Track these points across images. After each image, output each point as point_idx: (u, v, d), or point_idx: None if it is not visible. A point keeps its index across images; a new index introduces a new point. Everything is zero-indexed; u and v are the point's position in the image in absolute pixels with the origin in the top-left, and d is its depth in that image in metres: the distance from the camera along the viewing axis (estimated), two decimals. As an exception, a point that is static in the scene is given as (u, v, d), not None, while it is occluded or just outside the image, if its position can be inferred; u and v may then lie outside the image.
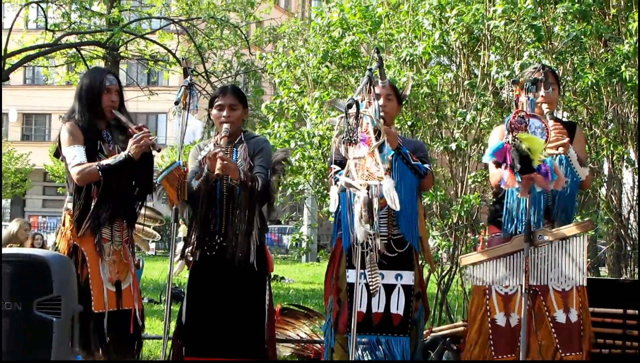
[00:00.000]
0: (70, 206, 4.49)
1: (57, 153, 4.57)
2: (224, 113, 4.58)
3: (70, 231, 4.45)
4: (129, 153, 4.38)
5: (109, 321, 4.39)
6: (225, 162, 4.34)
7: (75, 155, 4.39)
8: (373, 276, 4.00)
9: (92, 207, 4.41)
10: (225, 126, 4.53)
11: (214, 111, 4.63)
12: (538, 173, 3.97)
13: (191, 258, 4.55)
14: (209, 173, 4.42)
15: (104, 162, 4.39)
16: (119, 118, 4.54)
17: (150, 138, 4.42)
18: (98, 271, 4.42)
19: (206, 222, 4.51)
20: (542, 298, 4.27)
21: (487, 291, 4.36)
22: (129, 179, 4.47)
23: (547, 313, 4.26)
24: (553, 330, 4.25)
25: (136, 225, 4.76)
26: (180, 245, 4.72)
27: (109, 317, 4.40)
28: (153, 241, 5.14)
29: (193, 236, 4.55)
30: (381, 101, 4.42)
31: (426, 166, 4.56)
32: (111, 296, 4.44)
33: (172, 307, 4.60)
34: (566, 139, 4.20)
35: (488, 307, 4.35)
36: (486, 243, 4.59)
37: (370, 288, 4.03)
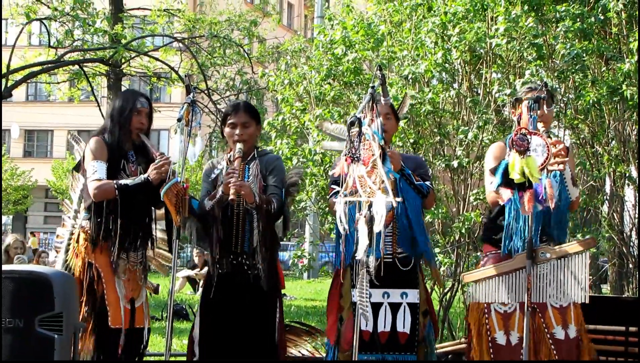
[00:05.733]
0: (85, 223, 4.51)
1: (78, 167, 4.62)
2: (237, 131, 4.49)
3: (85, 248, 4.47)
4: (148, 177, 4.41)
5: (122, 337, 4.40)
6: (239, 187, 4.26)
7: (95, 170, 4.42)
8: (364, 297, 3.95)
9: (109, 225, 4.42)
10: (238, 145, 4.45)
11: (227, 129, 4.55)
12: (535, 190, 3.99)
13: (216, 270, 4.47)
14: (222, 194, 4.36)
15: (122, 181, 4.42)
16: (144, 141, 4.59)
17: (170, 165, 4.41)
18: (114, 287, 4.44)
19: (227, 241, 4.44)
20: (540, 315, 4.25)
21: (485, 310, 4.33)
22: (144, 201, 4.51)
23: (546, 330, 4.24)
24: (552, 346, 4.23)
25: (156, 250, 4.79)
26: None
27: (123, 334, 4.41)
28: (169, 265, 5.10)
29: (214, 255, 4.46)
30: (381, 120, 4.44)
31: (427, 183, 4.57)
32: (126, 313, 4.46)
33: (173, 324, 4.58)
34: (567, 158, 4.19)
35: (488, 326, 4.33)
36: (481, 261, 4.56)
37: (360, 308, 3.92)
